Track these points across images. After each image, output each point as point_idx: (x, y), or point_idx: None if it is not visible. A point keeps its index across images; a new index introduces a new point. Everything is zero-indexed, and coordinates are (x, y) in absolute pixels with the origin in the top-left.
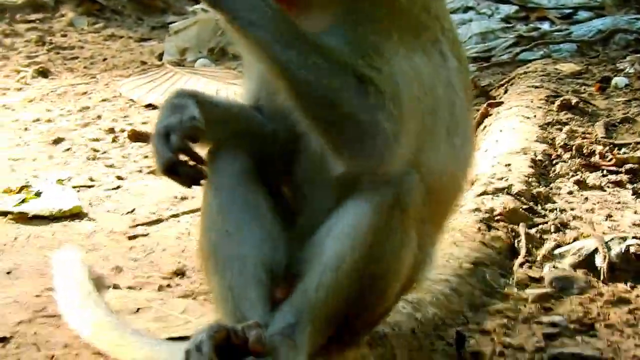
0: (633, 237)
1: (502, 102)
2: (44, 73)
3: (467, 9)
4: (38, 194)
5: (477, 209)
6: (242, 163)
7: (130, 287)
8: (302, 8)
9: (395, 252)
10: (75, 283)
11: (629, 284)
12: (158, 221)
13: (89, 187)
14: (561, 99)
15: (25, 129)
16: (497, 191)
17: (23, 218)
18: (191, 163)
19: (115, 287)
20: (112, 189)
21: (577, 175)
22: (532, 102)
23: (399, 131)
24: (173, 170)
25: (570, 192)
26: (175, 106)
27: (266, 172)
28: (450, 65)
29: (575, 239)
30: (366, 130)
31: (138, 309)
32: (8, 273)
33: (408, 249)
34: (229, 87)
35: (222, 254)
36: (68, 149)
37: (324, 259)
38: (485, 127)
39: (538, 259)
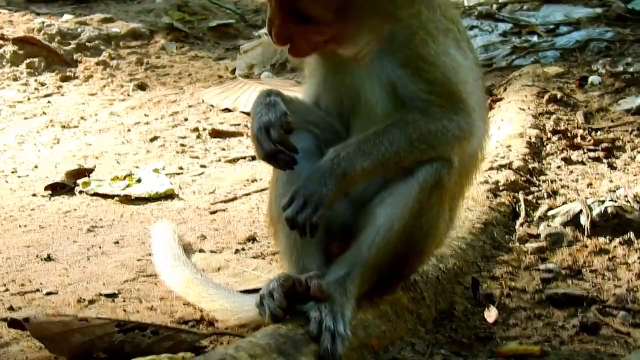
0: (609, 200)
1: (502, 98)
2: (142, 87)
3: (472, 27)
4: (139, 180)
5: (486, 181)
6: (306, 143)
7: (212, 251)
8: (346, 44)
9: (433, 221)
10: (168, 248)
11: (607, 237)
12: (233, 199)
13: (179, 174)
14: (549, 94)
15: (128, 130)
16: (501, 167)
17: (127, 199)
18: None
19: (201, 251)
20: (197, 175)
21: (563, 153)
22: (526, 97)
23: (482, 117)
24: (273, 157)
25: (558, 167)
26: (268, 104)
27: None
28: (469, 59)
29: (563, 203)
30: (464, 136)
31: (219, 267)
32: (116, 243)
33: (442, 219)
34: (288, 92)
35: (279, 210)
36: (162, 145)
37: (377, 223)
38: (489, 117)
39: (535, 219)
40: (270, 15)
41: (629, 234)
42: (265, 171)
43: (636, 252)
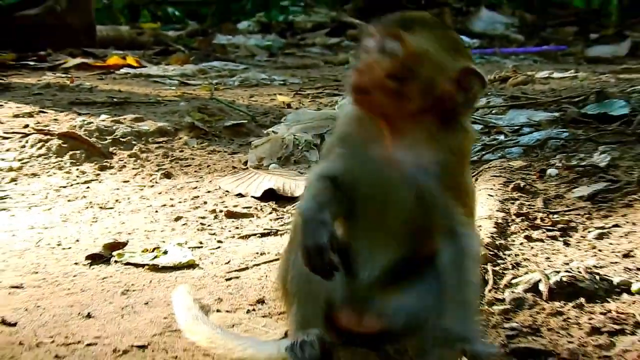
0: (564, 271)
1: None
2: (168, 175)
3: None
4: (165, 252)
5: None
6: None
7: (227, 311)
8: (397, 133)
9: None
10: (186, 308)
11: (562, 302)
12: (245, 269)
13: (199, 247)
14: (514, 183)
15: (156, 211)
16: None
17: (155, 268)
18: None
19: (218, 311)
20: (214, 248)
21: (525, 232)
22: (494, 186)
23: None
24: (319, 272)
25: (521, 243)
26: (320, 222)
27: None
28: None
29: (525, 273)
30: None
31: (233, 324)
32: (146, 303)
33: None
34: (291, 181)
35: (297, 287)
36: (184, 224)
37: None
38: None
39: (501, 287)
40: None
41: (580, 299)
42: (272, 246)
43: (586, 314)
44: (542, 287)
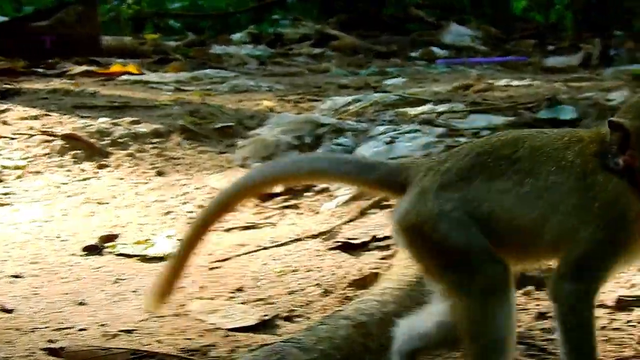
0: None
1: None
2: (161, 173)
3: (416, 130)
4: (155, 244)
5: None
6: None
7: (209, 298)
8: None
9: None
10: None
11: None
12: (227, 259)
13: None
14: None
15: (148, 206)
16: None
17: (144, 259)
18: None
19: (201, 298)
20: None
21: None
22: None
23: None
24: None
25: None
26: None
27: None
28: None
29: None
30: None
31: (215, 310)
32: (134, 291)
33: None
34: None
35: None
36: (174, 218)
37: None
38: None
39: None
40: None
41: (529, 287)
42: (252, 239)
43: (534, 300)
44: None
